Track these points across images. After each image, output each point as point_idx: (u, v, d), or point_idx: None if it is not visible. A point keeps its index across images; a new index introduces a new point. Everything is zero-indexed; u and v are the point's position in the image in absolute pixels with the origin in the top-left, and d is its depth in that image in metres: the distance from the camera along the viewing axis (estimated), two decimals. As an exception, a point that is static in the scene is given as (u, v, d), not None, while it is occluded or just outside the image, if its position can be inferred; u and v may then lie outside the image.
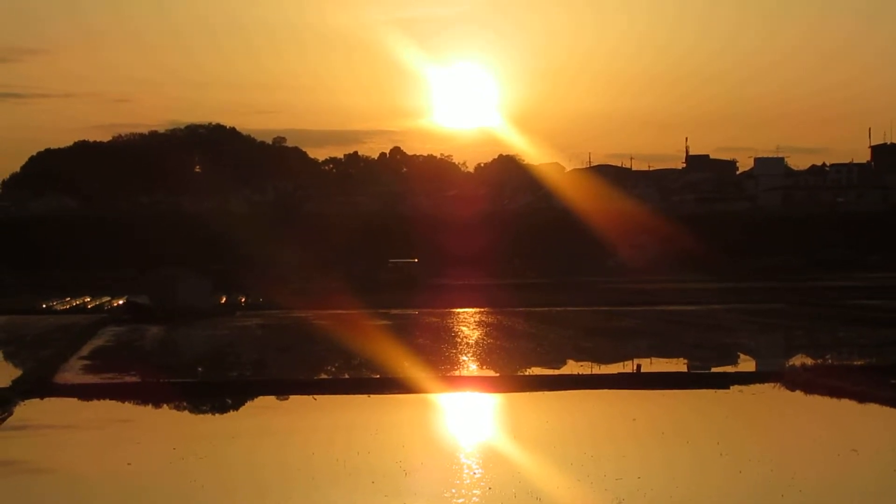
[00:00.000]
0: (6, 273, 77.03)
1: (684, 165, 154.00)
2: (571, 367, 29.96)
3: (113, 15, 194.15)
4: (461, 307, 50.92)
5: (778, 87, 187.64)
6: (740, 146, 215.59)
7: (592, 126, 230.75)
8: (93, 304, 55.64)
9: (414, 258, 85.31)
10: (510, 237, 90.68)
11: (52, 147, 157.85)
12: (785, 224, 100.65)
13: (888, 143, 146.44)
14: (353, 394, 25.10)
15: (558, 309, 49.34)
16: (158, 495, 16.54)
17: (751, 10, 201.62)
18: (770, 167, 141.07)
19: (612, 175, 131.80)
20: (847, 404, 22.31)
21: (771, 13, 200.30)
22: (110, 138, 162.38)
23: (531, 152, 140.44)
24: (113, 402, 24.33)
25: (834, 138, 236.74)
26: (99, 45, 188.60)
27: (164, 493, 16.60)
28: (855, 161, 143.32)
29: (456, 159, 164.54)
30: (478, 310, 49.60)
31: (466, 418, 23.20)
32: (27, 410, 22.65)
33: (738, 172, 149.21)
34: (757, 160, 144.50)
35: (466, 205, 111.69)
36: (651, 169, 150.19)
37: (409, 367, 28.05)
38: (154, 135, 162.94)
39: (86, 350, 34.01)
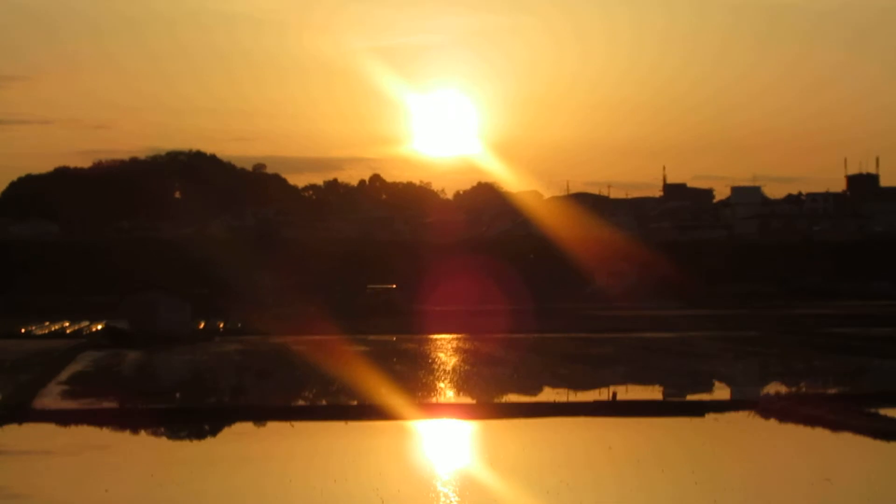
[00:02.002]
0: None
1: (662, 194, 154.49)
2: (548, 395, 29.97)
3: (93, 42, 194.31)
4: (439, 333, 50.93)
5: (754, 117, 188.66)
6: (717, 175, 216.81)
7: (571, 154, 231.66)
8: (72, 329, 55.49)
9: (392, 284, 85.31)
10: (489, 264, 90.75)
11: (32, 173, 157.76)
12: (761, 252, 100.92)
13: (863, 173, 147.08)
14: (331, 420, 25.08)
15: (535, 335, 49.38)
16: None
17: (728, 42, 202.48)
18: (746, 196, 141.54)
19: (590, 203, 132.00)
20: (821, 433, 22.35)
21: (748, 46, 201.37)
22: (91, 164, 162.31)
23: (510, 180, 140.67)
24: (91, 427, 24.26)
25: (810, 168, 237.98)
26: (79, 72, 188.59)
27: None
28: (830, 190, 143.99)
29: (435, 186, 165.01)
30: (455, 336, 49.61)
31: (443, 445, 23.17)
32: (4, 436, 22.58)
33: (714, 201, 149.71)
34: (734, 189, 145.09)
35: (445, 231, 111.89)
36: (629, 197, 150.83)
37: (386, 393, 28.00)
38: (134, 161, 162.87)
39: (64, 375, 33.92)
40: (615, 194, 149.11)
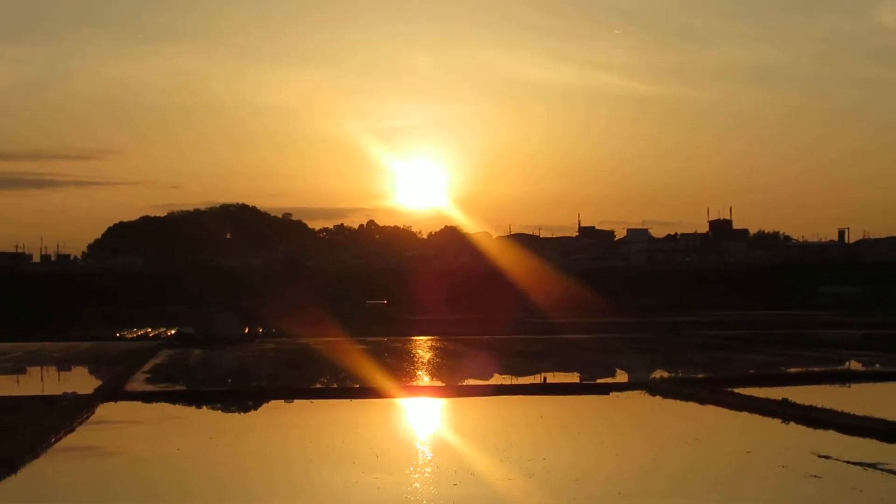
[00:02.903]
0: (91, 310, 76.45)
1: (577, 234, 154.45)
2: (497, 380, 30.00)
3: (166, 125, 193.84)
4: (418, 336, 50.84)
5: (644, 178, 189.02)
6: (617, 220, 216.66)
7: (512, 205, 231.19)
8: (153, 334, 55.27)
9: (384, 300, 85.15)
10: (454, 285, 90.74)
11: (123, 220, 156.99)
12: (650, 277, 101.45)
13: (721, 218, 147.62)
14: (339, 398, 25.05)
15: (488, 337, 49.36)
16: (199, 471, 16.49)
17: (622, 128, 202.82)
18: (638, 236, 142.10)
19: (526, 241, 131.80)
20: (692, 406, 22.49)
21: (637, 131, 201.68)
22: (166, 214, 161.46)
23: (468, 224, 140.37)
24: (166, 404, 24.25)
25: (683, 215, 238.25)
26: (157, 147, 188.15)
27: (203, 470, 16.56)
28: (698, 232, 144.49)
29: (414, 229, 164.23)
30: (430, 337, 49.54)
31: (420, 416, 23.17)
32: (104, 411, 22.54)
33: (615, 239, 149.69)
34: (629, 231, 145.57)
35: (421, 263, 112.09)
36: (554, 237, 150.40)
37: (379, 379, 28.03)
38: (197, 212, 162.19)
39: (147, 367, 33.87)
40: (544, 234, 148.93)
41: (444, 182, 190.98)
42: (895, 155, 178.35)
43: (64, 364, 36.82)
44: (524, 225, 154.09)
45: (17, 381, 31.04)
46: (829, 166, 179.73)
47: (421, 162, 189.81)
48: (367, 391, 25.92)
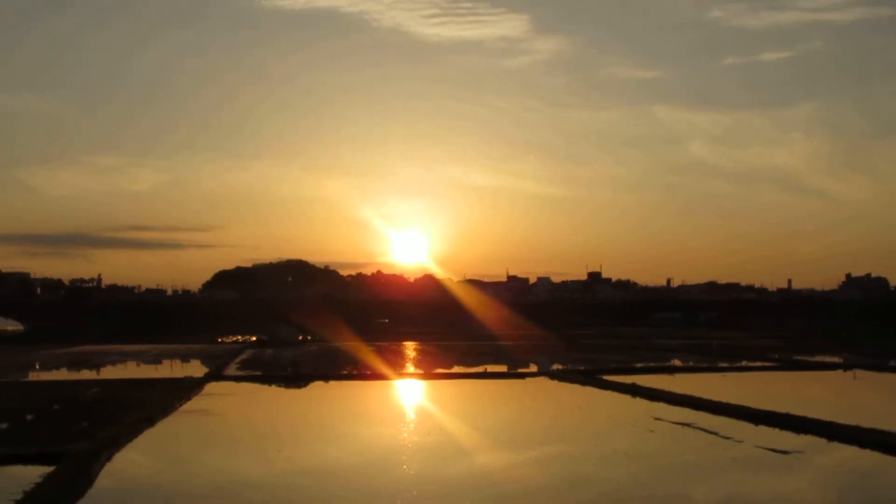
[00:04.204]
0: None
1: (506, 279, 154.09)
2: (457, 370, 29.83)
3: (253, 211, 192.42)
4: (407, 342, 50.57)
5: (547, 243, 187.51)
6: (530, 271, 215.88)
7: (466, 260, 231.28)
8: (242, 339, 54.69)
9: (385, 319, 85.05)
10: (432, 312, 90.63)
11: (225, 269, 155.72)
12: (551, 308, 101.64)
13: (595, 271, 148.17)
14: (356, 380, 24.92)
15: (453, 342, 49.17)
16: (266, 424, 16.37)
17: (532, 212, 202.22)
18: (544, 281, 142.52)
19: (478, 284, 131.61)
20: (577, 387, 22.49)
21: (541, 216, 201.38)
22: (251, 265, 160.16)
23: (440, 272, 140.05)
24: (249, 383, 23.99)
25: (571, 268, 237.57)
26: (246, 224, 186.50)
27: (268, 423, 16.43)
28: (580, 280, 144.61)
29: (405, 276, 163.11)
30: (414, 343, 49.32)
31: (407, 392, 23.05)
32: (210, 387, 22.33)
33: (530, 283, 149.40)
34: (538, 278, 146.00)
35: (409, 297, 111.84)
36: (492, 281, 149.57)
37: (381, 368, 27.93)
38: (270, 264, 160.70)
39: (238, 360, 33.53)
40: (486, 280, 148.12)
41: (424, 247, 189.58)
42: (699, 229, 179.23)
43: (185, 358, 36.42)
44: (474, 273, 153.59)
45: (156, 369, 30.69)
46: (659, 237, 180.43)
47: (410, 234, 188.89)
48: (373, 375, 25.78)
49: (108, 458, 11.56)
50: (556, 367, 29.15)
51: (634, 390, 20.13)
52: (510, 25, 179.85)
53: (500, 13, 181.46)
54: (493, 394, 21.80)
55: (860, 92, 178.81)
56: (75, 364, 32.17)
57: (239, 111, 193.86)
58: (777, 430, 14.13)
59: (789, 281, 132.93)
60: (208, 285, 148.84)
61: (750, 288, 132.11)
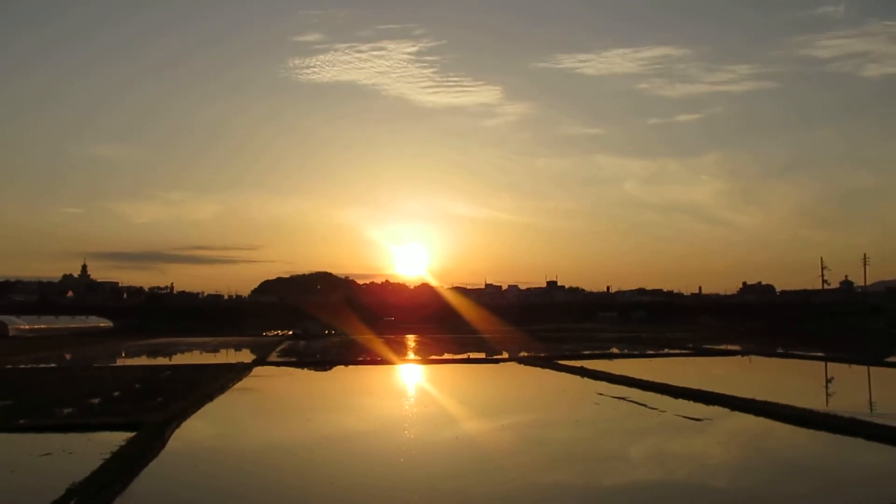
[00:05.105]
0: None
1: (484, 286, 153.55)
2: (447, 356, 29.63)
3: (290, 233, 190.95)
4: (410, 335, 50.31)
5: (517, 259, 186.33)
6: (503, 280, 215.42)
7: (454, 271, 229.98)
8: (281, 333, 54.24)
9: (392, 317, 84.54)
10: (428, 313, 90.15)
11: (268, 279, 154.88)
12: (519, 310, 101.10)
13: (553, 280, 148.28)
14: (370, 365, 24.73)
15: (442, 335, 48.96)
16: (299, 397, 16.20)
17: (505, 236, 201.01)
18: (513, 289, 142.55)
19: (462, 291, 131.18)
20: (538, 370, 22.40)
21: (511, 239, 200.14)
22: (289, 276, 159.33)
23: (435, 281, 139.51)
24: (287, 367, 23.78)
25: (534, 277, 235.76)
26: (284, 243, 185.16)
27: (301, 396, 16.27)
28: (541, 287, 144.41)
29: (407, 284, 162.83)
30: (414, 336, 49.06)
31: (408, 374, 22.90)
32: (257, 370, 22.09)
33: (503, 289, 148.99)
34: (509, 286, 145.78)
35: (410, 301, 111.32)
36: (473, 288, 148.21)
37: (388, 355, 27.76)
38: (302, 275, 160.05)
39: (278, 349, 33.20)
40: (469, 287, 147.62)
41: (422, 262, 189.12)
42: (632, 248, 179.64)
43: (237, 348, 36.02)
44: (460, 281, 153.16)
45: (214, 356, 30.35)
46: (602, 254, 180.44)
47: (411, 252, 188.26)
48: (384, 361, 25.60)
49: (178, 426, 11.48)
50: (522, 354, 29.04)
51: (583, 372, 20.11)
52: (487, 94, 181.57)
53: (480, 85, 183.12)
54: (474, 375, 21.67)
55: (752, 144, 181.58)
56: (153, 352, 31.81)
57: (278, 157, 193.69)
58: (691, 402, 14.16)
59: (700, 287, 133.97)
60: (255, 291, 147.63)
61: (670, 293, 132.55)
